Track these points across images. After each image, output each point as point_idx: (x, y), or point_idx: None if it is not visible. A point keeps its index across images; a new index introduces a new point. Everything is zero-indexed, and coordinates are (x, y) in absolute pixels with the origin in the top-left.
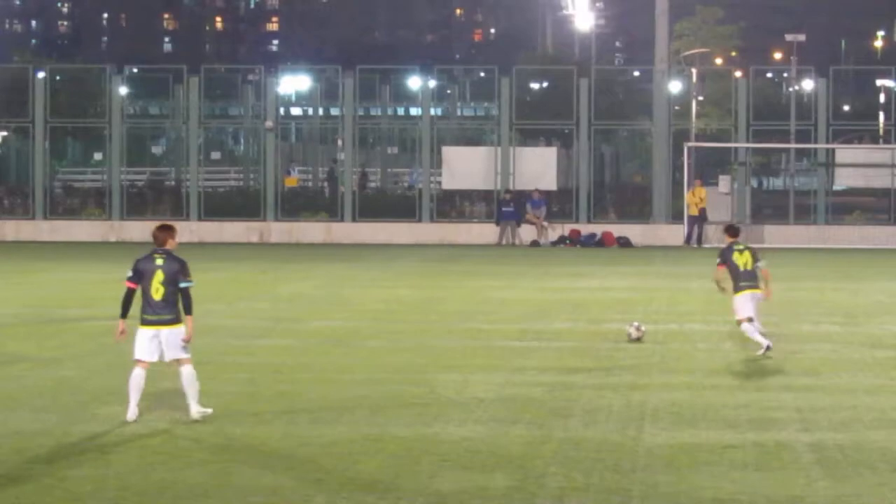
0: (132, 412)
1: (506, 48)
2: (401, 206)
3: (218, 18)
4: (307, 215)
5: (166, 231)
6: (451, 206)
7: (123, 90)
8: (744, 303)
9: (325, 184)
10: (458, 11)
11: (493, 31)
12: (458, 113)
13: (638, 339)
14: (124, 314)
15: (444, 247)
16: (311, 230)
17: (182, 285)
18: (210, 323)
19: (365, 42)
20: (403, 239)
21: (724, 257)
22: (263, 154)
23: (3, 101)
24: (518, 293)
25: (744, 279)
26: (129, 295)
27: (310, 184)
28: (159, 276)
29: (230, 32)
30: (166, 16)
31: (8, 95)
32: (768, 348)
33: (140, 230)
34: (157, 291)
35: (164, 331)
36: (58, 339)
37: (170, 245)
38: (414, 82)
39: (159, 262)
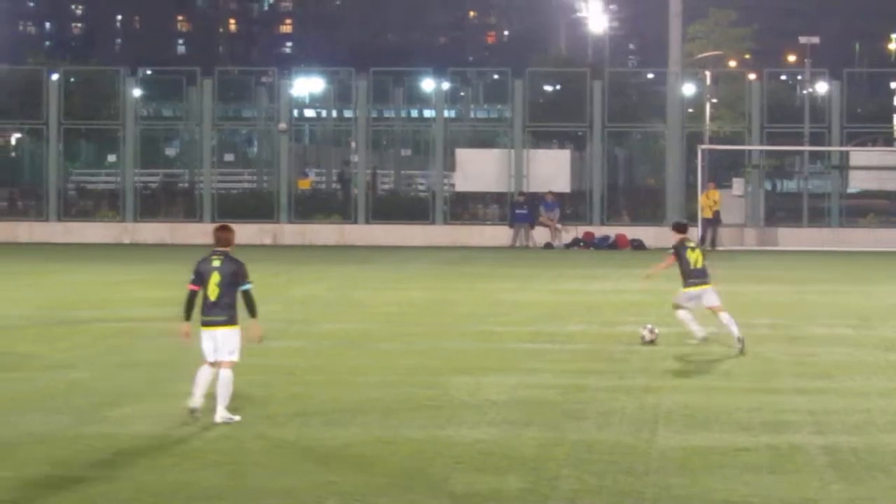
0: (196, 401)
1: (519, 50)
2: (414, 209)
3: (231, 20)
4: (320, 217)
5: (229, 231)
6: (465, 208)
7: (137, 92)
8: (688, 298)
9: (338, 186)
10: (471, 14)
11: (506, 33)
12: (472, 115)
13: (651, 342)
14: (187, 317)
15: (457, 249)
16: (324, 232)
17: (242, 288)
18: None
19: (378, 44)
20: (416, 241)
21: (678, 251)
22: (277, 156)
23: (17, 103)
24: (531, 295)
25: (693, 276)
26: (192, 297)
27: (323, 186)
28: (215, 277)
29: (243, 34)
30: (180, 18)
31: (22, 97)
32: (704, 339)
33: (153, 232)
34: (213, 292)
35: (219, 332)
36: (70, 341)
37: (230, 246)
38: (427, 84)
39: (216, 263)
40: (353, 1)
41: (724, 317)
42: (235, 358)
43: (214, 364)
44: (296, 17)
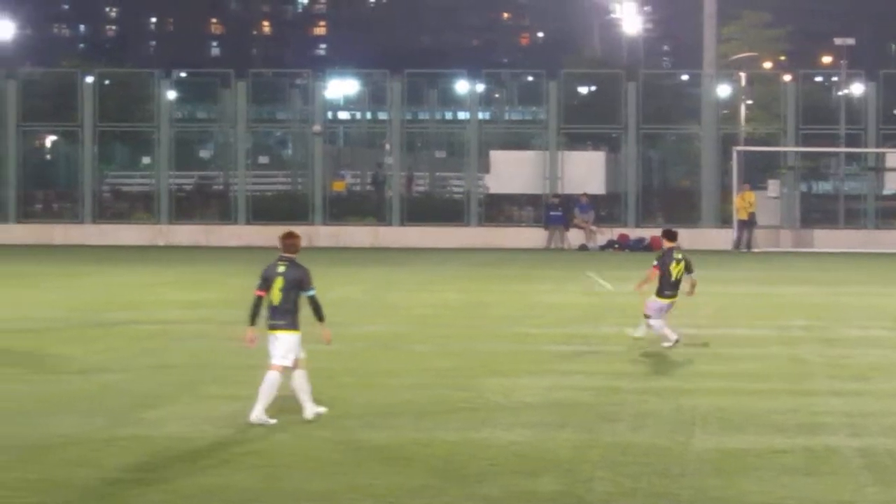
0: (309, 411)
1: (553, 52)
2: (448, 211)
3: (265, 22)
4: (354, 219)
5: (295, 238)
6: (499, 210)
7: (171, 94)
8: (660, 309)
9: (372, 188)
10: (504, 15)
11: (540, 35)
12: (506, 117)
13: (676, 342)
14: (252, 321)
15: (492, 251)
16: (359, 234)
17: (307, 294)
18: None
19: (412, 46)
20: (451, 243)
21: (663, 263)
22: (311, 158)
23: (52, 106)
24: (566, 297)
25: (670, 288)
26: (257, 302)
27: (358, 188)
28: (279, 282)
29: (277, 37)
30: (213, 20)
31: (56, 100)
32: (677, 341)
33: (187, 234)
34: (276, 297)
35: (280, 335)
36: (103, 343)
37: (296, 252)
38: (461, 86)
39: (281, 269)
40: (386, 3)
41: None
42: (287, 363)
43: (282, 366)
44: (329, 19)
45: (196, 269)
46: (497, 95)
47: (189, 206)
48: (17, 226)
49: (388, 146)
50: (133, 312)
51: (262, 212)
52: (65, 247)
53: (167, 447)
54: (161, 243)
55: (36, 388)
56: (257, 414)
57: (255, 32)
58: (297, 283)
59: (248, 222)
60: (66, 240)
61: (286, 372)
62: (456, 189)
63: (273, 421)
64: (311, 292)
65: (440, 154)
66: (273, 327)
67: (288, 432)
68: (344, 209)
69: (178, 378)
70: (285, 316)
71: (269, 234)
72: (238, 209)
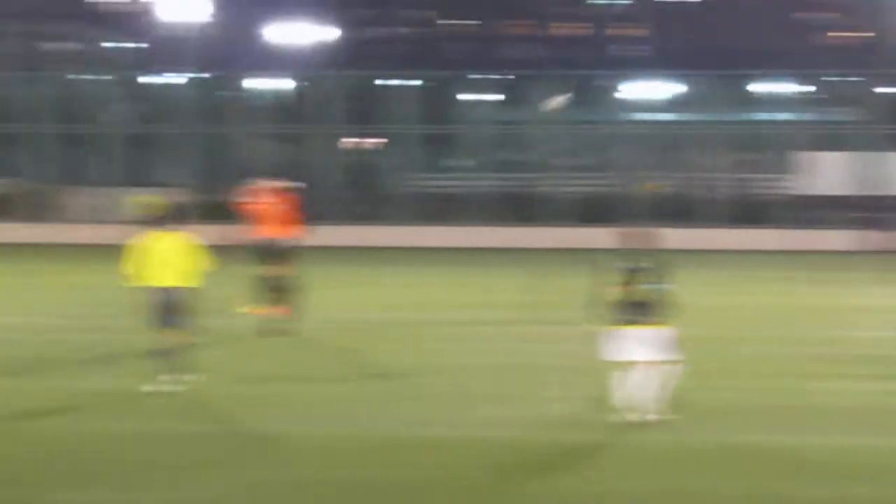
0: (646, 413)
1: (868, 52)
2: (760, 212)
3: (577, 24)
4: (668, 221)
5: (646, 233)
6: (812, 212)
7: (480, 96)
8: None
9: (686, 190)
10: (816, 14)
11: (854, 34)
12: (818, 118)
13: None
14: (598, 318)
15: (809, 253)
16: (673, 236)
17: (661, 288)
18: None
19: (723, 47)
20: (766, 245)
21: None
22: (624, 159)
23: (364, 110)
24: (882, 301)
25: None
26: (605, 298)
27: (671, 190)
28: (637, 277)
29: (587, 38)
30: (522, 21)
31: (368, 104)
32: None
33: (496, 236)
34: (637, 293)
35: (647, 331)
36: (428, 344)
37: (646, 248)
38: (773, 87)
39: (636, 264)
40: (699, 4)
41: None
42: (657, 357)
43: (639, 363)
44: (642, 20)
45: (515, 271)
46: (811, 96)
47: (504, 208)
48: (335, 227)
49: (701, 148)
50: (452, 313)
51: (575, 213)
52: (378, 248)
53: (510, 448)
54: (468, 245)
55: (375, 388)
56: (650, 411)
57: (567, 33)
58: (655, 278)
59: (559, 224)
60: (379, 242)
61: (660, 367)
62: (768, 190)
63: (663, 417)
64: (666, 286)
65: (752, 156)
66: (636, 323)
67: (619, 433)
68: (658, 210)
69: (506, 379)
70: (648, 311)
71: (583, 236)
72: (551, 211)
